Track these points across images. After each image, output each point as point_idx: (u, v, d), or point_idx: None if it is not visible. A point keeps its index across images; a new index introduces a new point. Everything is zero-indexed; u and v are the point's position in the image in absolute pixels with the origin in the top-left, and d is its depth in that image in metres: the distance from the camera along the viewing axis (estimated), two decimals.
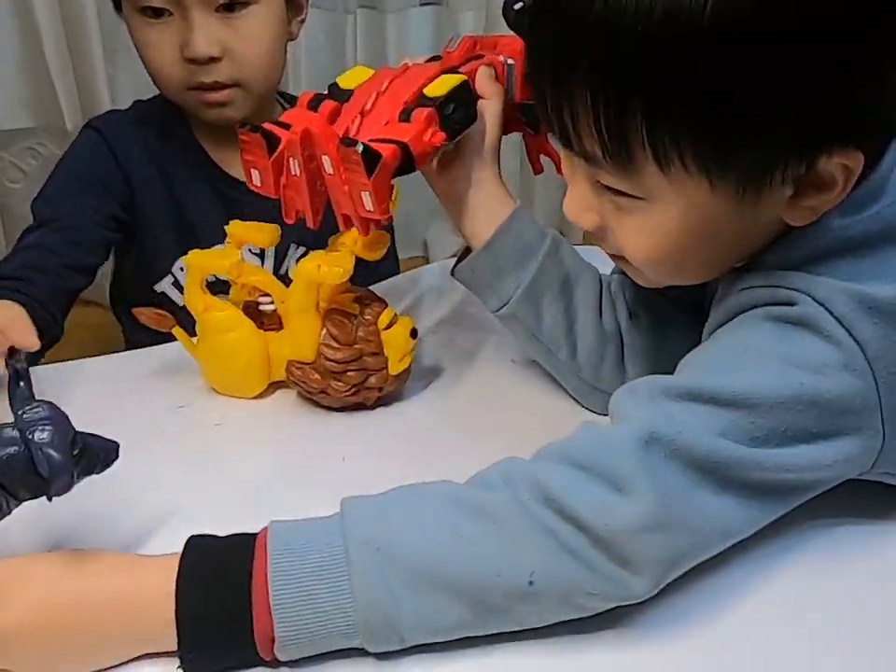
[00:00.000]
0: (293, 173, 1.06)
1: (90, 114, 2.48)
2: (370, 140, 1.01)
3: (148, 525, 0.95)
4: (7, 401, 0.93)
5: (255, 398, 1.19)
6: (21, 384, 0.82)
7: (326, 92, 1.10)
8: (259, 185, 1.09)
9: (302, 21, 1.60)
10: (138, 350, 1.31)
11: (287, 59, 1.60)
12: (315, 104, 1.08)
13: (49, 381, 1.22)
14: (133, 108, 1.65)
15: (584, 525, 0.78)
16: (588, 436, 0.85)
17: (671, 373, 1.15)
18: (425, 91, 1.07)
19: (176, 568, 0.79)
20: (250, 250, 1.58)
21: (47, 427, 0.78)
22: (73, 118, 2.47)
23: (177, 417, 1.16)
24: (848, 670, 0.83)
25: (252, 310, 1.18)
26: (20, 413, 0.79)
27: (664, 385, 0.87)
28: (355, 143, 0.99)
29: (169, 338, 1.21)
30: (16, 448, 0.77)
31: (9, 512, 0.80)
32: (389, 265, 1.54)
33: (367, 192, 1.00)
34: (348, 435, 1.12)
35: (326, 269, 1.09)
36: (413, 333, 1.15)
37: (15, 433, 0.77)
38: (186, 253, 1.51)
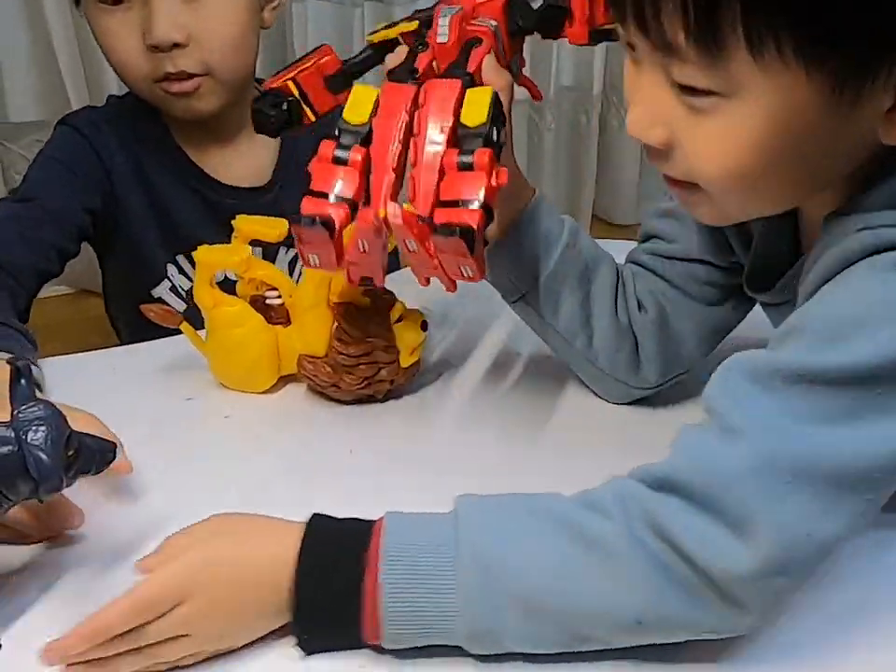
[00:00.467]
0: (361, 250, 0.95)
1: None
2: (441, 202, 0.91)
3: (156, 516, 0.94)
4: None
5: (265, 392, 1.18)
6: (23, 381, 0.81)
7: (336, 133, 0.96)
8: (317, 265, 0.96)
9: (276, 9, 1.52)
10: (145, 343, 1.30)
11: (259, 47, 1.51)
12: (341, 158, 0.94)
13: (55, 374, 1.22)
14: (107, 105, 1.58)
15: (700, 568, 0.75)
16: (696, 457, 0.78)
17: (682, 371, 1.13)
18: (462, 119, 0.95)
19: (298, 546, 0.80)
20: None
21: (41, 428, 0.77)
22: None
23: (185, 409, 1.16)
24: None
25: (259, 304, 1.17)
26: (16, 412, 0.78)
27: (770, 366, 0.77)
28: (451, 231, 0.88)
29: (175, 332, 1.20)
30: (10, 448, 0.76)
31: (5, 512, 0.79)
32: (392, 258, 1.52)
33: (467, 266, 0.92)
34: (357, 427, 1.12)
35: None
36: (424, 326, 1.15)
37: (10, 433, 0.77)
38: (174, 255, 1.52)
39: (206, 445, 1.10)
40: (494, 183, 0.91)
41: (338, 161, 0.94)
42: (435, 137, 0.94)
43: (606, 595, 0.77)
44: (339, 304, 1.13)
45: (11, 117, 2.52)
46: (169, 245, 1.54)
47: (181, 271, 1.55)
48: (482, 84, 1.00)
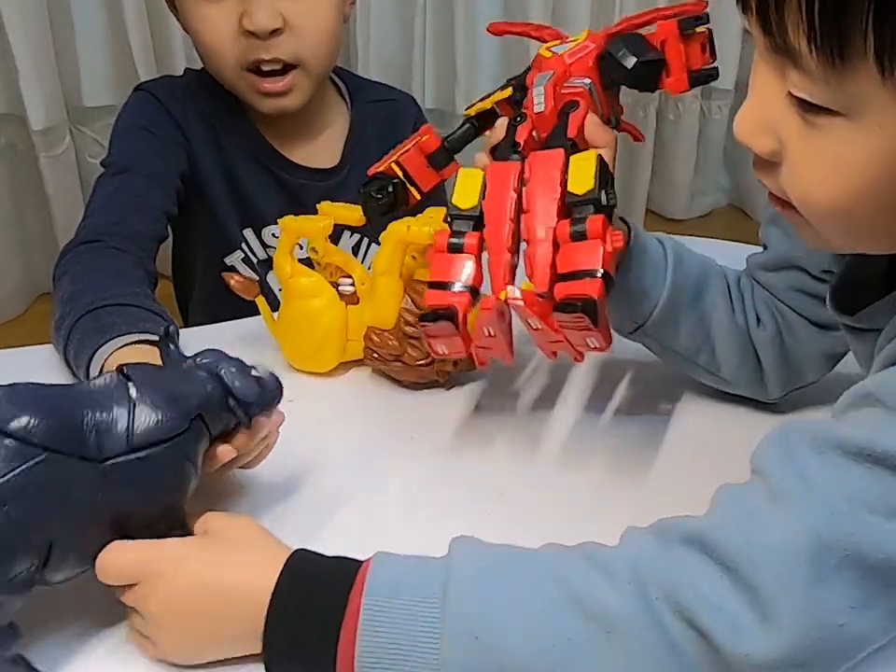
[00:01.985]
0: (487, 335, 0.94)
1: None
2: (560, 276, 0.90)
3: (218, 500, 0.95)
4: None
5: (328, 374, 1.19)
6: (172, 346, 0.88)
7: (448, 220, 0.98)
8: (445, 354, 0.97)
9: (353, 3, 1.54)
10: (212, 325, 1.31)
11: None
12: (456, 247, 0.96)
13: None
14: (185, 75, 1.60)
15: (715, 646, 0.67)
16: (737, 516, 0.72)
17: (804, 384, 1.07)
18: (570, 188, 0.93)
19: (276, 576, 0.77)
20: None
21: (229, 364, 0.85)
22: None
23: None
24: None
25: None
26: (197, 360, 0.85)
27: (833, 437, 0.70)
28: (573, 306, 0.86)
29: (229, 315, 1.20)
30: (212, 385, 0.83)
31: (207, 446, 0.84)
32: None
33: (592, 337, 0.90)
34: (419, 414, 1.12)
35: (415, 228, 1.10)
36: None
37: (205, 373, 0.83)
38: (248, 227, 1.53)
39: None
40: (609, 248, 0.89)
41: (454, 249, 0.95)
42: (545, 211, 0.93)
43: None
44: (410, 279, 1.14)
45: (86, 101, 2.53)
46: (240, 217, 1.55)
47: (248, 245, 1.56)
48: (586, 147, 0.99)
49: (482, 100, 1.12)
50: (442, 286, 0.94)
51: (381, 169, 1.13)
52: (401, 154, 1.13)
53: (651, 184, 3.15)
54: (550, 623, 0.71)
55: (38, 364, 1.24)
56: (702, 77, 1.05)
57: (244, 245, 1.56)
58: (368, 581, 0.74)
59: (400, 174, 1.12)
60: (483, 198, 0.96)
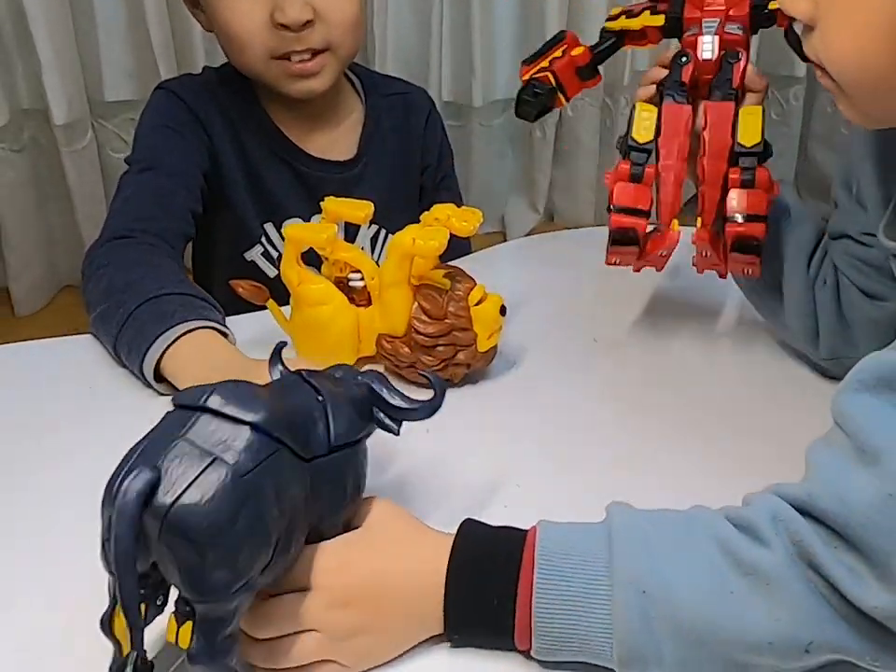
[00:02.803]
0: (703, 256, 1.16)
1: None
2: (728, 218, 1.08)
3: None
4: None
5: None
6: (281, 364, 0.87)
7: (627, 151, 1.15)
8: (618, 264, 1.17)
9: None
10: (229, 318, 1.31)
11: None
12: (637, 176, 1.12)
13: None
14: (205, 73, 1.61)
15: (855, 605, 0.71)
16: (832, 483, 0.73)
17: (854, 355, 1.07)
18: (740, 139, 1.10)
19: (448, 553, 0.79)
20: None
21: (373, 378, 0.85)
22: None
23: None
24: None
25: (342, 286, 1.18)
26: (332, 374, 0.85)
27: None
28: (746, 247, 1.08)
29: (254, 308, 1.20)
30: (362, 390, 0.83)
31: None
32: (464, 243, 1.52)
33: (751, 267, 1.10)
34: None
35: (421, 242, 1.09)
36: (503, 310, 1.15)
37: (352, 383, 0.84)
38: (268, 221, 1.55)
39: None
40: (772, 197, 1.09)
41: (634, 178, 1.12)
42: (718, 156, 1.10)
43: (772, 624, 0.73)
44: (420, 285, 1.13)
45: (107, 96, 2.54)
46: (261, 212, 1.56)
47: (269, 239, 1.57)
48: (743, 90, 1.14)
49: (625, 15, 1.25)
50: (626, 210, 1.12)
51: (537, 76, 1.24)
52: (554, 62, 1.24)
53: None
54: (712, 577, 0.74)
55: (62, 357, 1.25)
56: None
57: (263, 240, 1.57)
58: (539, 544, 0.78)
59: (553, 82, 1.24)
60: (659, 134, 1.13)
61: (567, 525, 0.81)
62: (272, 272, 1.55)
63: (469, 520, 0.83)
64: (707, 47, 1.15)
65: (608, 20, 1.27)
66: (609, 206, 1.13)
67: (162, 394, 1.13)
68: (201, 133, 1.50)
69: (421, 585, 0.79)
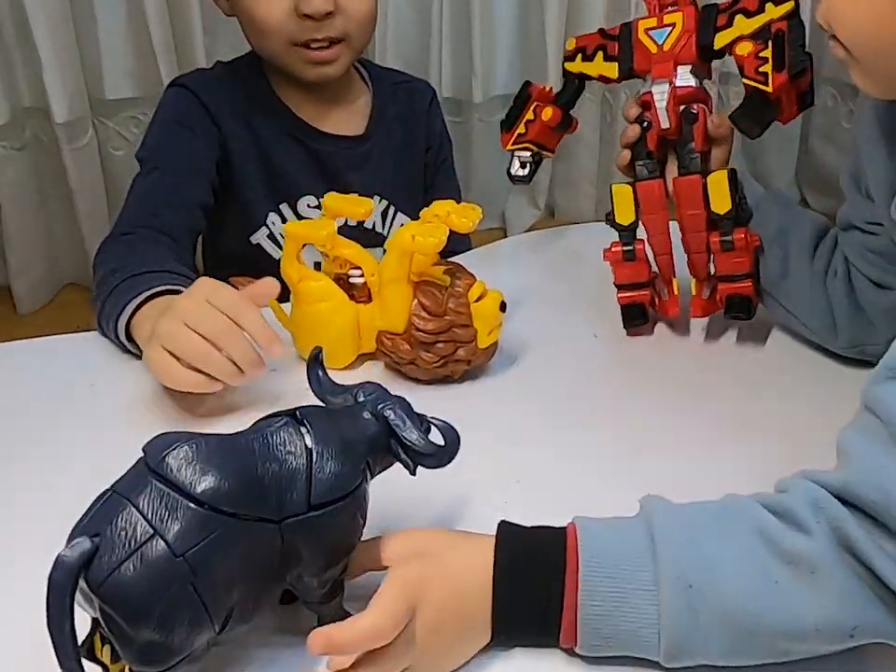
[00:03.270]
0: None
1: None
2: (719, 277, 1.22)
3: None
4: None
5: (343, 369, 1.19)
6: (321, 372, 0.85)
7: (618, 234, 1.26)
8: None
9: None
10: None
11: None
12: (629, 255, 1.25)
13: None
14: (216, 67, 1.66)
15: (890, 587, 0.73)
16: (867, 470, 0.75)
17: (876, 343, 1.13)
18: (713, 208, 1.18)
19: (491, 558, 0.79)
20: None
21: (396, 406, 0.80)
22: None
23: (268, 382, 1.16)
24: None
25: (342, 282, 1.19)
26: (356, 394, 0.81)
27: None
28: (737, 309, 1.22)
29: None
30: (376, 427, 0.79)
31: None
32: (464, 239, 1.53)
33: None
34: (435, 408, 1.12)
35: (420, 239, 1.09)
36: (503, 307, 1.15)
37: (369, 415, 0.79)
38: (276, 204, 1.59)
39: None
40: (754, 247, 1.20)
41: (628, 258, 1.25)
42: (695, 228, 1.21)
43: (817, 612, 0.74)
44: (419, 282, 1.13)
45: (108, 94, 2.54)
46: (272, 193, 1.60)
47: (283, 219, 1.60)
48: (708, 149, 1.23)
49: (582, 55, 1.32)
50: (629, 287, 1.26)
51: (519, 150, 1.38)
52: (531, 129, 1.36)
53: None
54: (755, 568, 0.75)
55: (63, 354, 1.25)
56: (805, 100, 1.25)
57: (268, 222, 1.60)
58: (581, 543, 0.79)
59: (535, 148, 1.37)
60: (639, 214, 1.24)
61: (605, 521, 0.82)
62: (277, 253, 1.59)
63: (505, 522, 0.83)
64: (663, 115, 1.22)
65: (566, 58, 1.35)
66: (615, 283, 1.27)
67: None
68: (211, 126, 1.54)
69: (468, 590, 0.79)
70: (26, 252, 2.57)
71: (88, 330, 1.28)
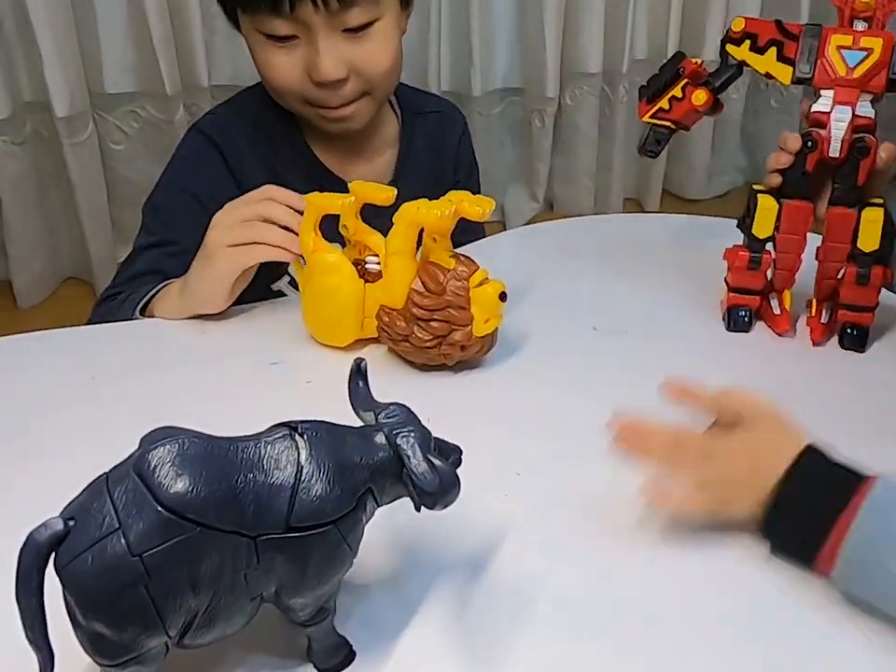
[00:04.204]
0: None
1: (188, 79, 2.50)
2: (843, 305, 1.23)
3: None
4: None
5: (345, 352, 1.21)
6: (361, 383, 0.81)
7: (747, 242, 1.26)
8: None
9: (409, 14, 1.52)
10: (235, 307, 1.31)
11: None
12: (754, 266, 1.26)
13: (148, 335, 1.23)
14: (240, 107, 1.59)
15: None
16: None
17: None
18: (859, 244, 1.19)
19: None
20: None
21: (412, 434, 0.75)
22: (172, 83, 2.49)
23: (270, 374, 1.16)
24: None
25: (360, 268, 1.20)
26: (379, 414, 0.77)
27: None
28: (854, 338, 1.24)
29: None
30: (385, 454, 0.74)
31: (371, 517, 0.76)
32: (477, 227, 1.52)
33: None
34: (435, 397, 1.12)
35: (425, 210, 1.11)
36: (503, 297, 1.15)
37: (382, 439, 0.75)
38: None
39: (288, 408, 1.10)
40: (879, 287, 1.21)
41: (752, 267, 1.25)
42: (836, 260, 1.21)
43: None
44: (424, 262, 1.15)
45: (108, 88, 2.54)
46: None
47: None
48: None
49: (751, 43, 1.22)
50: (741, 291, 1.28)
51: (655, 117, 1.30)
52: (676, 107, 1.29)
53: (668, 164, 3.13)
54: None
55: (63, 348, 1.25)
56: None
57: (291, 270, 1.53)
58: (873, 489, 0.82)
59: (673, 126, 1.31)
60: (778, 230, 1.23)
61: None
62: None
63: (812, 446, 0.88)
64: (836, 146, 1.17)
65: (729, 40, 1.25)
66: (728, 286, 1.29)
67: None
68: (227, 186, 1.48)
69: (766, 474, 0.86)
70: (26, 246, 2.57)
71: (88, 324, 1.28)
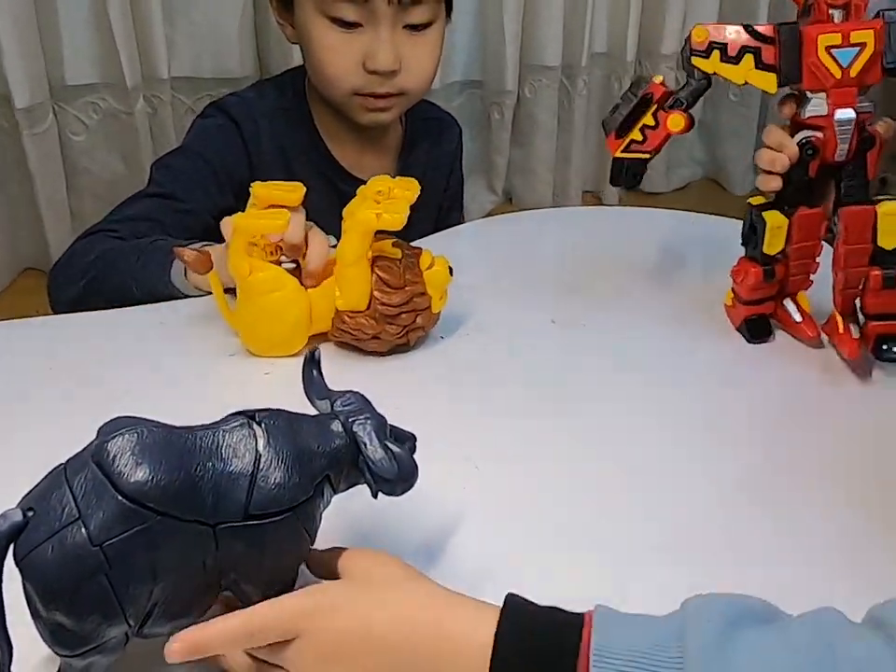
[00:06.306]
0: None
1: (149, 71, 2.48)
2: (870, 315, 1.13)
3: None
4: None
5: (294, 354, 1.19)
6: (315, 372, 0.81)
7: (760, 258, 1.18)
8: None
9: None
10: (193, 298, 1.30)
11: None
12: (769, 276, 1.19)
13: (102, 327, 1.23)
14: (261, 92, 1.65)
15: None
16: None
17: None
18: (880, 243, 1.09)
19: (493, 625, 0.68)
20: None
21: (368, 421, 0.75)
22: (133, 75, 2.46)
23: (227, 365, 1.16)
24: None
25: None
26: (335, 402, 0.77)
27: None
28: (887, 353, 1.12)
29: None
30: (342, 441, 0.75)
31: (328, 505, 0.76)
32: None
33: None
34: (394, 380, 1.13)
35: (387, 216, 1.10)
36: (450, 271, 1.18)
37: (339, 426, 0.75)
38: None
39: (247, 400, 1.10)
40: None
41: (767, 280, 1.18)
42: (857, 264, 1.11)
43: None
44: (375, 258, 1.15)
45: (68, 80, 2.52)
46: None
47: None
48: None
49: (721, 54, 1.11)
50: (754, 302, 1.22)
51: (627, 151, 1.20)
52: (650, 137, 1.18)
53: None
54: None
55: (21, 339, 1.24)
56: None
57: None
58: (594, 641, 0.65)
59: (649, 156, 1.20)
60: (789, 241, 1.17)
61: (627, 617, 0.69)
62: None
63: (511, 594, 0.71)
64: (843, 150, 1.10)
65: (694, 52, 1.13)
66: (739, 299, 1.23)
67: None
68: (239, 166, 1.55)
69: (456, 660, 0.68)
70: None
71: (47, 315, 1.27)
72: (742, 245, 1.22)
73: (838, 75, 1.07)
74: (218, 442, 0.71)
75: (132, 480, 0.65)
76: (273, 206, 1.15)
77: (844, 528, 0.92)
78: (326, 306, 1.16)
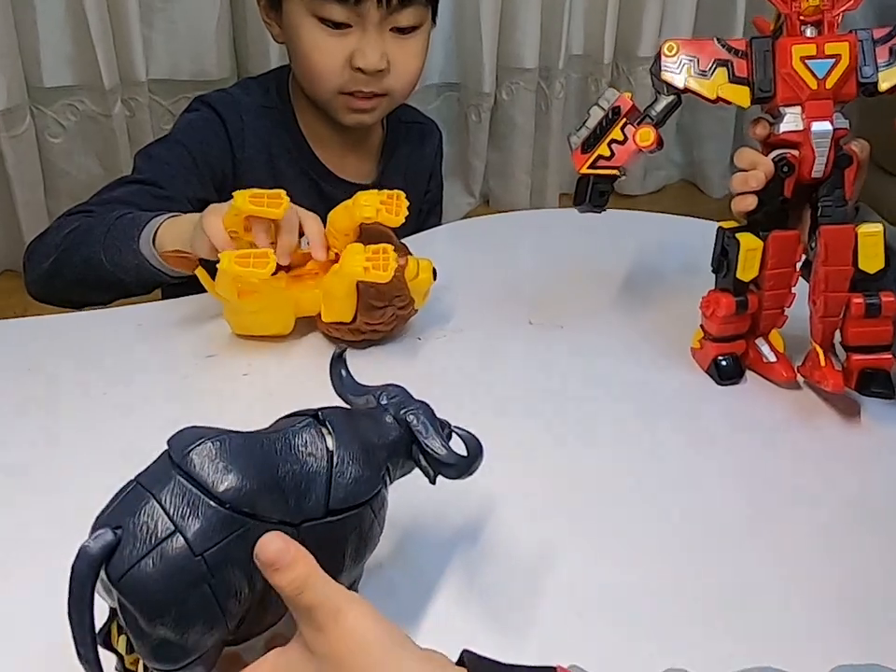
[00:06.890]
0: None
1: (126, 73, 2.48)
2: (852, 348, 1.06)
3: None
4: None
5: (279, 342, 1.21)
6: (344, 371, 0.83)
7: (732, 287, 1.12)
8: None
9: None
10: (171, 300, 1.30)
11: None
12: (742, 308, 1.12)
13: (81, 328, 1.23)
14: (248, 93, 1.63)
15: None
16: None
17: None
18: (860, 266, 1.04)
19: None
20: None
21: (420, 412, 0.78)
22: (110, 77, 2.47)
23: (206, 367, 1.16)
24: None
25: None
26: (379, 396, 0.79)
27: None
28: (874, 389, 1.05)
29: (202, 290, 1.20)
30: (397, 432, 0.77)
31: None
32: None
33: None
34: (372, 378, 1.12)
35: (375, 272, 1.10)
36: (435, 274, 1.21)
37: (391, 419, 0.77)
38: None
39: (224, 400, 1.10)
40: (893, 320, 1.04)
41: (740, 312, 1.12)
42: (838, 289, 1.04)
43: None
44: (361, 284, 1.14)
45: (46, 81, 2.51)
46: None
47: None
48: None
49: (692, 69, 1.09)
50: (724, 339, 1.15)
51: (594, 167, 1.13)
52: (619, 152, 1.13)
53: None
54: None
55: (0, 340, 1.23)
56: None
57: None
58: None
59: (618, 172, 1.14)
60: (763, 267, 1.11)
61: None
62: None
63: (467, 651, 0.65)
64: (821, 165, 1.05)
65: (662, 67, 1.11)
66: (708, 336, 1.17)
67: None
68: (223, 160, 1.55)
69: None
70: None
71: (25, 316, 1.27)
72: (713, 272, 1.16)
73: (814, 86, 1.04)
74: (291, 444, 0.72)
75: (225, 486, 0.66)
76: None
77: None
78: (315, 297, 1.18)
